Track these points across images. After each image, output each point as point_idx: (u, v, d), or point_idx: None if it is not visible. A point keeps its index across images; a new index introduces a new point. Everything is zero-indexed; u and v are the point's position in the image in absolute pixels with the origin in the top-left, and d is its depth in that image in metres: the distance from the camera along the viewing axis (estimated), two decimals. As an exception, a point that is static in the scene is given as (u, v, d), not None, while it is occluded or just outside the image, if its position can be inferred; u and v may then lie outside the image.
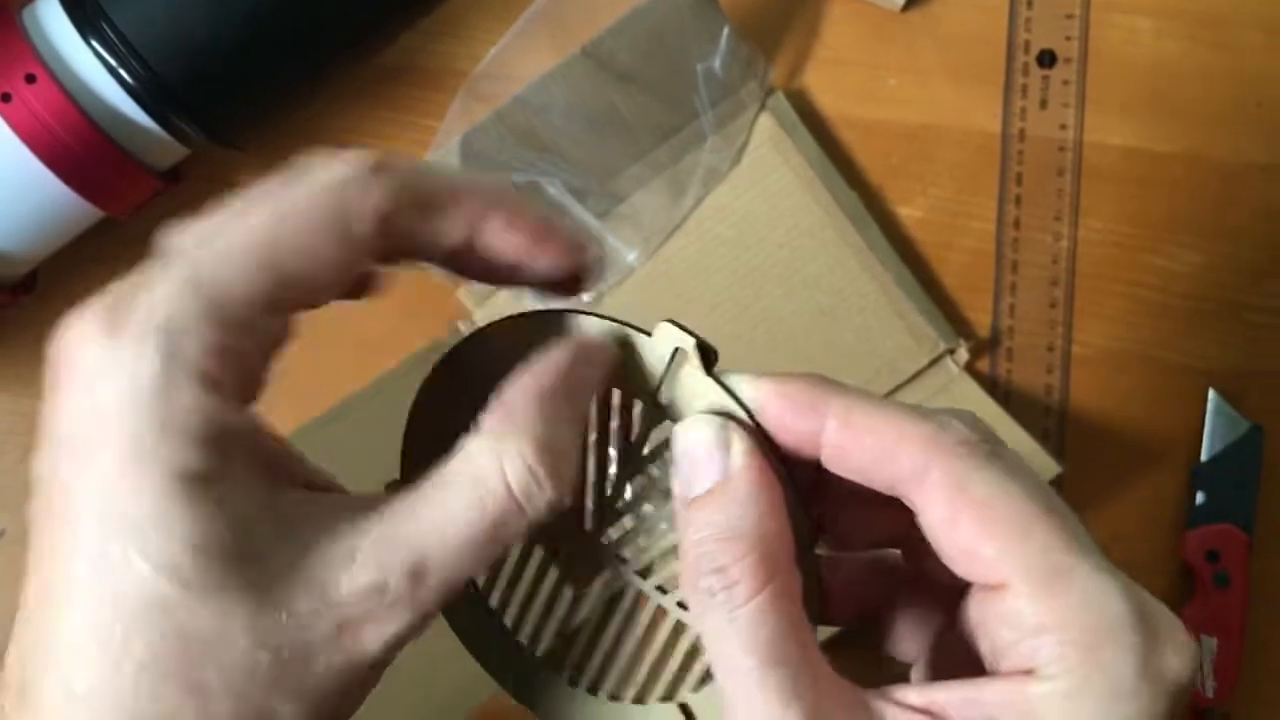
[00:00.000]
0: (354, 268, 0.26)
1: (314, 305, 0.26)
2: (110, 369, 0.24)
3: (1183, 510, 0.57)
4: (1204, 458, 0.57)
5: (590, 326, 0.29)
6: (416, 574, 0.25)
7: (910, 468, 0.26)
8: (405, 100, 0.59)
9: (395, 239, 0.26)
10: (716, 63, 0.57)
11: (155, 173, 0.53)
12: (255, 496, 0.25)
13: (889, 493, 0.27)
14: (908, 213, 0.59)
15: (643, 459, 0.31)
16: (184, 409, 0.24)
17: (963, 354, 0.57)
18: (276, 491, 0.25)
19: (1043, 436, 0.57)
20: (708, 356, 0.29)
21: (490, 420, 0.26)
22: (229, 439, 0.24)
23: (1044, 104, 0.59)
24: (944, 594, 0.30)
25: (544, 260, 0.28)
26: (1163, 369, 0.58)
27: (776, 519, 0.27)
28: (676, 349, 0.29)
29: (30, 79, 0.49)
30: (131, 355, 0.24)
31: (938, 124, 0.59)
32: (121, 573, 0.23)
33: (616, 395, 0.31)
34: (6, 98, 0.49)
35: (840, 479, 0.28)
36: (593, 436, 0.31)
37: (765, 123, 0.58)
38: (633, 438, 0.31)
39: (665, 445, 0.30)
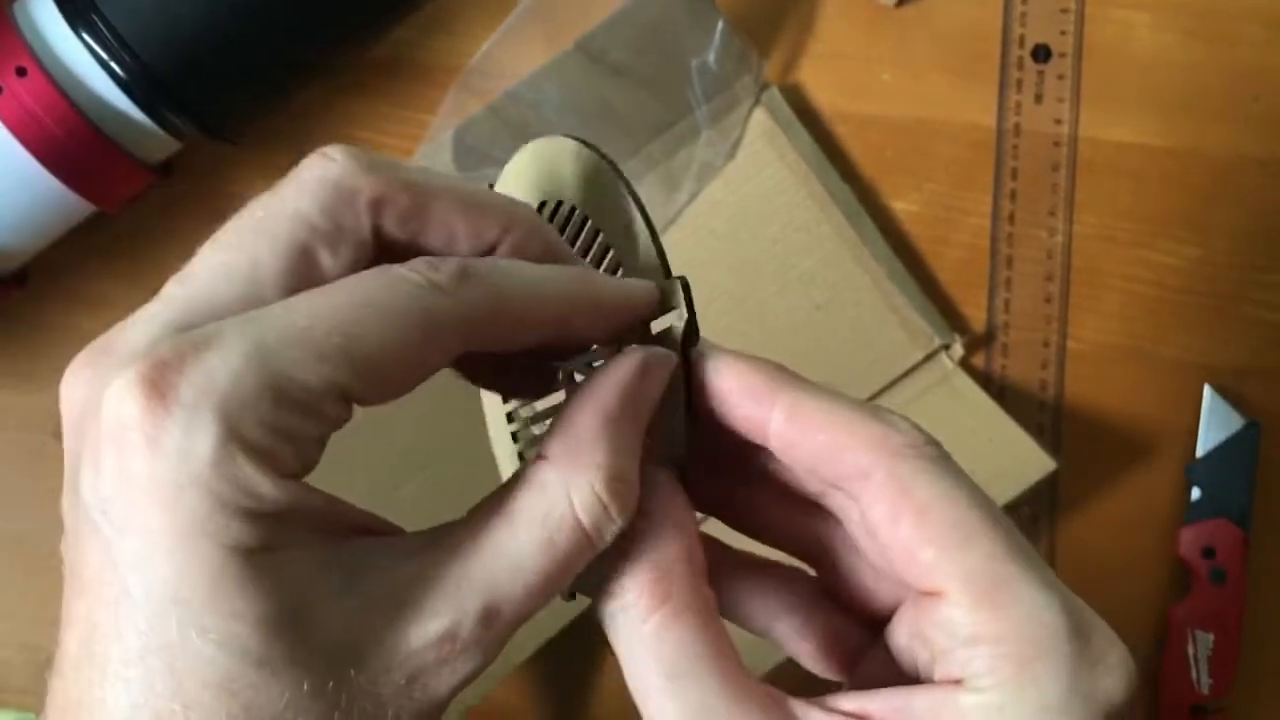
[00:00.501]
0: (430, 371, 0.25)
1: (377, 402, 0.24)
2: (158, 440, 0.22)
3: (1178, 506, 0.57)
4: (1200, 453, 0.57)
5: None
6: (488, 617, 0.24)
7: (855, 466, 0.26)
8: (398, 94, 0.59)
9: (477, 343, 0.25)
10: (711, 57, 0.56)
11: (147, 166, 0.53)
12: (316, 555, 0.24)
13: (834, 486, 0.28)
14: (902, 207, 0.59)
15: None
16: (239, 488, 0.22)
17: (958, 349, 0.57)
18: (337, 544, 0.24)
19: (1038, 432, 0.57)
20: (689, 338, 0.29)
21: (555, 447, 0.25)
22: (284, 513, 0.23)
23: (1039, 99, 0.59)
24: (860, 611, 0.30)
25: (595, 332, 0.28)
26: (1158, 364, 0.58)
27: (676, 540, 0.26)
28: (670, 325, 0.29)
29: (21, 72, 0.48)
30: (183, 429, 0.22)
31: (932, 119, 0.59)
32: (181, 652, 0.22)
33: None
34: (-3, 91, 0.49)
35: (774, 476, 0.29)
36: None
37: (760, 117, 0.57)
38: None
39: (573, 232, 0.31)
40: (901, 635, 0.28)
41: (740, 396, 0.28)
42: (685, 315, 0.28)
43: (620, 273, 0.30)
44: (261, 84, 0.53)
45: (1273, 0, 0.59)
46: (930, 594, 0.26)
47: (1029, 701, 0.25)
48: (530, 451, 0.32)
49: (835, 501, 0.29)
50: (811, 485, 0.29)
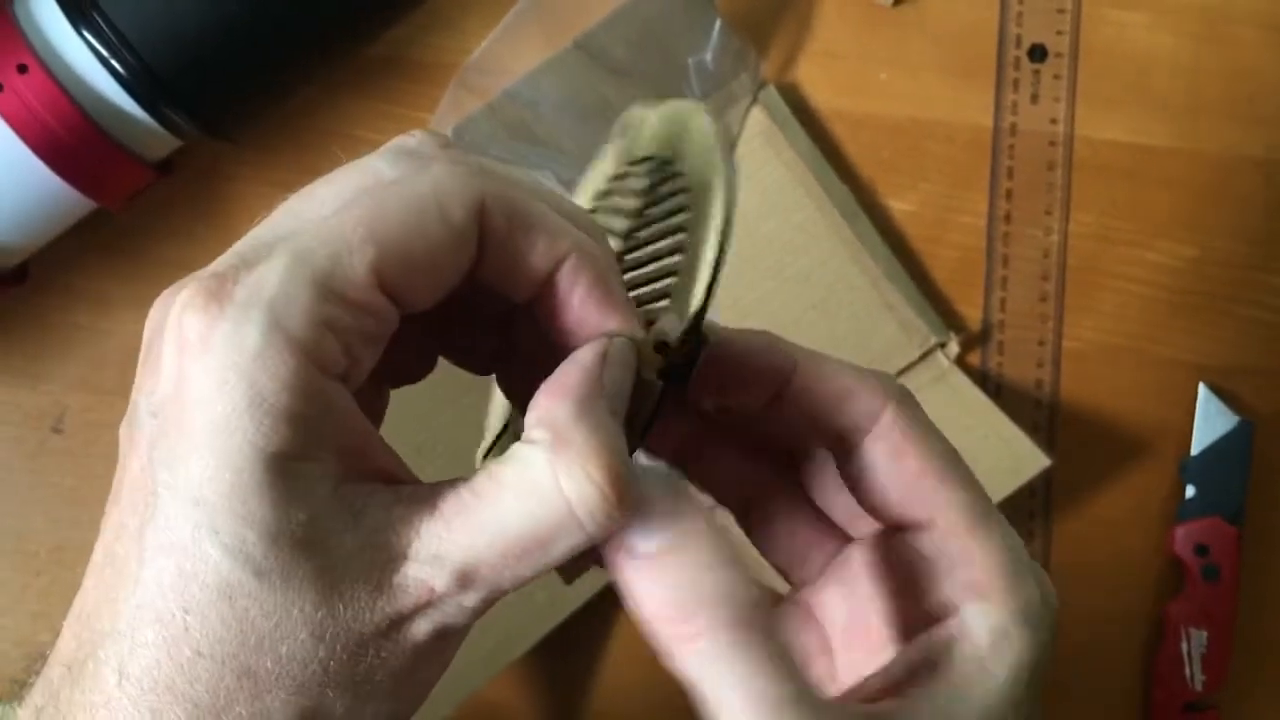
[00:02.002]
0: (456, 256, 0.26)
1: (416, 300, 0.25)
2: (210, 338, 0.23)
3: (1172, 504, 0.58)
4: (1194, 451, 0.57)
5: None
6: (464, 578, 0.25)
7: (865, 409, 0.29)
8: (397, 92, 0.59)
9: (488, 242, 0.26)
10: (708, 56, 0.57)
11: (147, 163, 0.53)
12: (334, 483, 0.24)
13: (834, 432, 0.30)
14: (899, 206, 0.59)
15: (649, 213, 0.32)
16: (281, 380, 0.23)
17: (953, 348, 0.57)
18: (354, 479, 0.25)
19: (1033, 430, 0.57)
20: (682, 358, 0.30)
21: (536, 432, 0.25)
22: (320, 418, 0.24)
23: (1035, 98, 0.59)
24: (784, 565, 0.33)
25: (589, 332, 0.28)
26: (1153, 363, 0.58)
27: (730, 571, 0.26)
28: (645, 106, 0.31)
29: (22, 69, 0.49)
30: (233, 324, 0.23)
31: (929, 118, 0.59)
32: (190, 554, 0.23)
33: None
34: (-2, 88, 0.49)
35: (745, 432, 0.30)
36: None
37: (757, 116, 0.58)
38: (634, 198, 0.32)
39: (665, 193, 0.31)
40: (831, 592, 0.31)
41: (766, 356, 0.30)
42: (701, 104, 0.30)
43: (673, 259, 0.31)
44: (261, 82, 0.53)
45: (1269, 1, 0.59)
46: (919, 525, 0.29)
47: (1018, 609, 0.28)
48: None
49: (808, 455, 0.32)
50: (796, 435, 0.31)
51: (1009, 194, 0.59)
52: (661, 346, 0.28)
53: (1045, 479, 0.56)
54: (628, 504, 0.25)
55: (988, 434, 0.56)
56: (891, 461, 0.29)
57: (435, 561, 0.25)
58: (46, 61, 0.49)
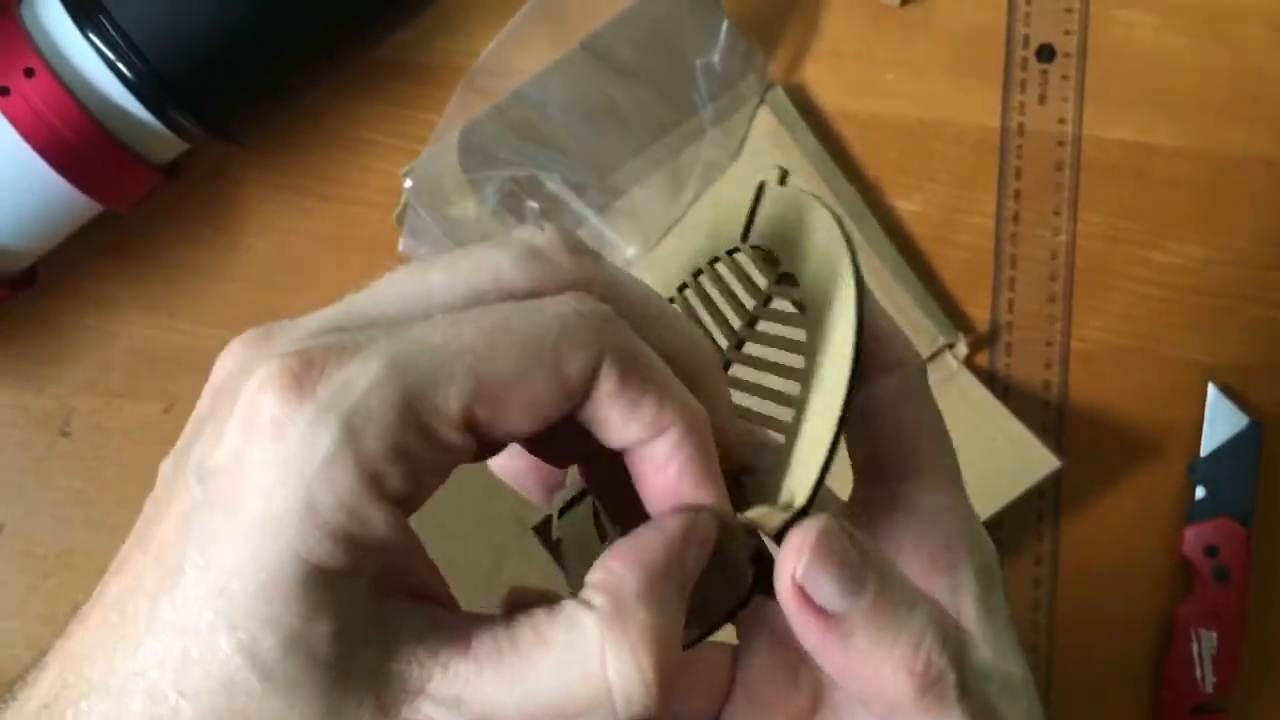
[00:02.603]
0: (556, 409, 0.24)
1: (499, 437, 0.24)
2: (283, 429, 0.22)
3: (1182, 505, 0.57)
4: (1203, 452, 0.57)
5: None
6: None
7: (890, 354, 0.30)
8: (404, 95, 0.59)
9: (594, 396, 0.24)
10: (715, 57, 0.57)
11: (154, 167, 0.53)
12: (371, 599, 0.23)
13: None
14: (906, 207, 0.59)
15: (749, 314, 0.31)
16: (339, 499, 0.22)
17: (961, 348, 0.57)
18: (390, 595, 0.24)
19: (1042, 431, 0.57)
20: (785, 179, 0.29)
21: (598, 597, 0.24)
22: (370, 540, 0.23)
23: (1043, 99, 0.59)
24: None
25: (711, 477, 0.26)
26: (1162, 364, 0.58)
27: None
28: (762, 182, 0.29)
29: (29, 73, 0.49)
30: (309, 423, 0.22)
31: (936, 119, 0.59)
32: (201, 641, 0.22)
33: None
34: (4, 91, 0.49)
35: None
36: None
37: (764, 117, 0.58)
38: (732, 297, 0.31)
39: (778, 293, 0.30)
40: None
41: None
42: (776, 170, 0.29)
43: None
44: (268, 85, 0.53)
45: (1275, 1, 0.59)
46: (893, 477, 0.30)
47: (982, 550, 0.30)
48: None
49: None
50: None
51: (1017, 194, 0.59)
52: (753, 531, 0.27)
53: (1054, 480, 0.56)
54: (665, 696, 0.24)
55: (996, 435, 0.56)
56: (891, 409, 0.30)
57: (454, 704, 0.23)
58: (53, 65, 0.49)
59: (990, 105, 0.59)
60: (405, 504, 0.23)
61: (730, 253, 0.31)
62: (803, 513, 0.26)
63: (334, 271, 0.58)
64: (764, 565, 0.26)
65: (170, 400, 0.58)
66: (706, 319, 0.32)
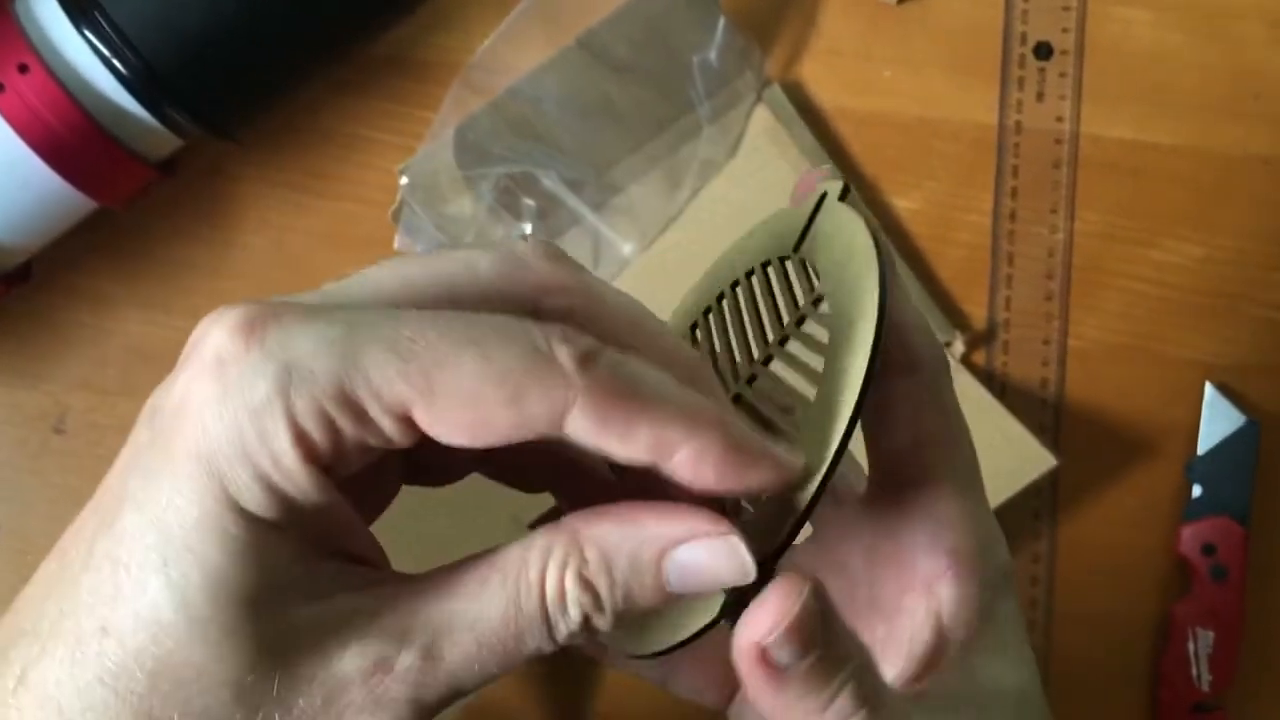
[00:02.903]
0: (507, 434, 0.23)
1: (448, 440, 0.23)
2: (226, 366, 0.22)
3: (1179, 503, 0.57)
4: (1201, 451, 0.57)
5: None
6: (429, 655, 0.23)
7: (912, 355, 0.30)
8: (399, 91, 0.59)
9: (565, 439, 0.23)
10: (712, 54, 0.56)
11: (150, 163, 0.53)
12: (300, 557, 0.23)
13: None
14: (903, 205, 0.59)
15: (786, 326, 0.30)
16: (268, 449, 0.22)
17: (959, 347, 0.57)
18: (318, 559, 0.24)
19: (1039, 429, 0.57)
20: (847, 193, 0.29)
21: (553, 526, 0.24)
22: (298, 497, 0.23)
23: (1040, 96, 0.59)
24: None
25: (732, 491, 0.25)
26: (1159, 362, 0.58)
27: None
28: (824, 194, 0.29)
29: (23, 69, 0.49)
30: (251, 366, 0.22)
31: (933, 116, 0.59)
32: (131, 577, 0.22)
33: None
34: (-1, 88, 0.49)
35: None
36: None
37: (761, 114, 0.58)
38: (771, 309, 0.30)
39: (806, 311, 0.29)
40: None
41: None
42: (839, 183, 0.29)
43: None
44: (263, 82, 0.53)
45: (1275, -2, 0.59)
46: (907, 482, 0.31)
47: (989, 562, 0.31)
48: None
49: None
50: None
51: (1014, 192, 0.59)
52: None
53: (1051, 478, 0.56)
54: (605, 619, 0.24)
55: (993, 434, 0.56)
56: (909, 413, 0.30)
57: (399, 637, 0.23)
58: (48, 61, 0.49)
59: (988, 103, 0.59)
60: (335, 473, 0.23)
61: (781, 260, 0.31)
62: (805, 515, 0.26)
63: (330, 268, 0.58)
64: (735, 596, 0.26)
65: (165, 398, 0.58)
66: (743, 325, 0.31)
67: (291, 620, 0.23)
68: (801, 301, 0.29)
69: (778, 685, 0.26)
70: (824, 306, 0.28)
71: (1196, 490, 0.57)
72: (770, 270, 0.31)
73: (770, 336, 0.30)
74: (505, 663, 0.24)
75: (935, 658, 0.29)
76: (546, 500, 0.31)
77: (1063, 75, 0.59)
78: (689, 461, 0.24)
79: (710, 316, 0.32)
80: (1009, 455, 0.55)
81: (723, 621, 0.26)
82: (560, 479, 0.29)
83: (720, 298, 0.32)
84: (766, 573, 0.25)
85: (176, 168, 0.56)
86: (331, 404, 0.22)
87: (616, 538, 0.24)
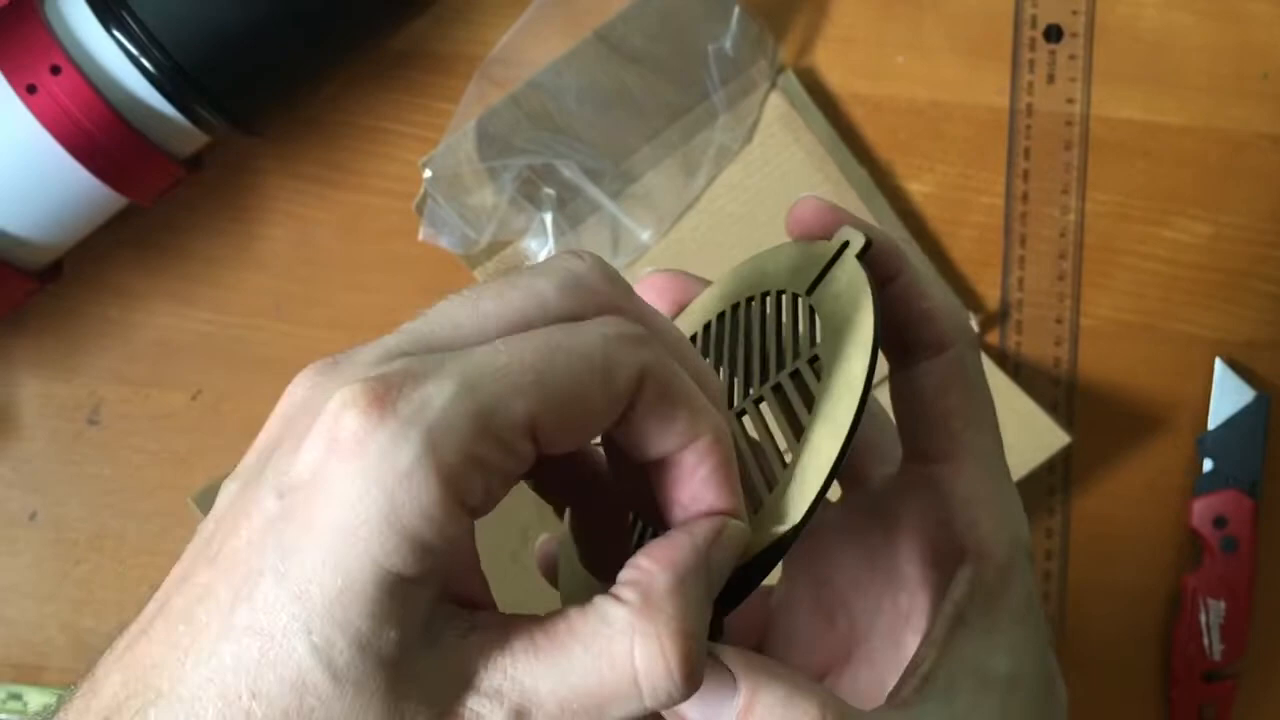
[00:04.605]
0: (605, 419, 0.26)
1: (556, 448, 0.25)
2: (366, 444, 0.23)
3: (1190, 477, 0.58)
4: (1211, 426, 0.58)
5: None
6: (519, 716, 0.25)
7: (937, 337, 0.31)
8: (419, 84, 0.59)
9: (634, 408, 0.26)
10: (727, 43, 0.57)
11: (177, 160, 0.54)
12: (434, 604, 0.25)
13: (905, 342, 0.32)
14: (917, 188, 0.59)
15: (783, 363, 0.31)
16: (420, 507, 0.23)
17: (972, 327, 0.58)
18: (444, 604, 0.25)
19: (1052, 407, 0.58)
20: (868, 252, 0.30)
21: (628, 592, 0.25)
22: (444, 549, 0.24)
23: (1051, 78, 0.59)
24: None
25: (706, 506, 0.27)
26: (1170, 339, 0.59)
27: None
28: (846, 241, 0.30)
29: (55, 70, 0.50)
30: (391, 437, 0.23)
31: (946, 100, 0.60)
32: (276, 644, 0.23)
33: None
34: (32, 89, 0.50)
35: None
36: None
37: (775, 101, 0.58)
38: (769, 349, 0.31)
39: (805, 360, 0.30)
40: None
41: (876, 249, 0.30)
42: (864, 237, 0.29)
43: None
44: (287, 78, 0.54)
45: (1282, -22, 0.60)
46: (933, 457, 0.31)
47: (1017, 544, 0.31)
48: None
49: None
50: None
51: (1026, 174, 0.59)
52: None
53: (1064, 455, 0.57)
54: (691, 686, 0.25)
55: (1007, 412, 0.56)
56: (936, 393, 0.31)
57: (495, 696, 0.24)
58: (78, 62, 0.50)
59: (999, 86, 0.60)
60: (476, 513, 0.24)
61: (794, 296, 0.31)
62: (797, 530, 0.27)
63: (352, 259, 0.59)
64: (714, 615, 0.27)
65: (195, 388, 0.59)
66: (745, 354, 0.32)
67: (415, 671, 0.24)
68: (801, 353, 0.30)
69: None
70: (818, 365, 0.29)
71: (1207, 464, 0.58)
72: (783, 303, 0.32)
73: (768, 374, 0.31)
74: None
75: (949, 643, 0.30)
76: (546, 511, 0.32)
77: (1073, 58, 0.60)
78: (706, 449, 0.26)
79: (723, 323, 0.33)
80: (1023, 433, 0.56)
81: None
82: (575, 492, 0.31)
83: (735, 308, 0.33)
84: (716, 630, 0.27)
85: (202, 164, 0.57)
86: (476, 446, 0.24)
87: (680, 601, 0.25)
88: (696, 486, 0.27)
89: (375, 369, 0.24)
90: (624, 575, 0.26)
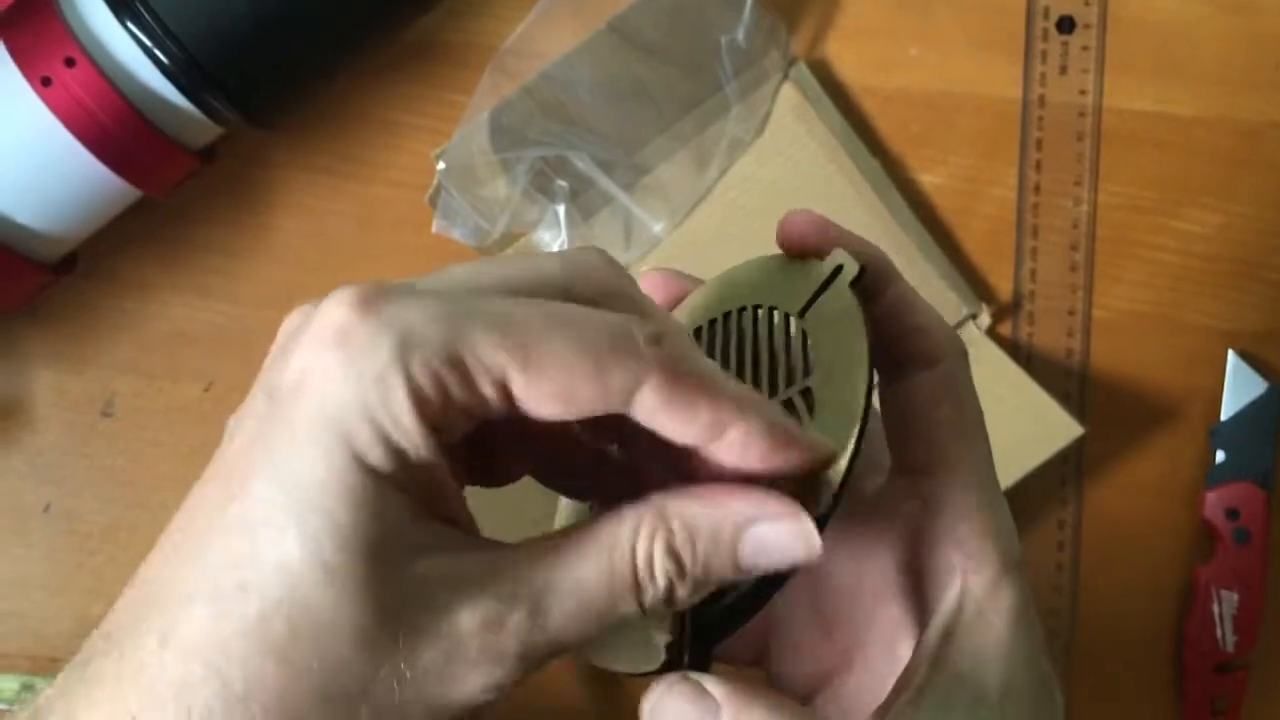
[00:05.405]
0: (588, 406, 0.25)
1: (535, 412, 0.25)
2: (349, 335, 0.24)
3: (1202, 469, 0.58)
4: (1223, 417, 0.58)
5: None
6: (536, 613, 0.25)
7: (928, 351, 0.32)
8: (432, 76, 0.60)
9: (631, 414, 0.26)
10: (740, 34, 0.57)
11: (191, 152, 0.54)
12: (414, 512, 0.25)
13: (895, 357, 0.32)
14: (929, 180, 0.59)
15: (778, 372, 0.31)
16: (389, 409, 0.24)
17: (985, 318, 0.58)
18: (428, 519, 0.25)
19: (1064, 398, 0.58)
20: (861, 280, 0.30)
21: (640, 503, 0.26)
22: (413, 454, 0.24)
23: (1064, 70, 0.59)
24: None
25: (770, 470, 0.27)
26: (1183, 330, 0.59)
27: None
28: (840, 265, 0.30)
29: (69, 62, 0.50)
30: (370, 333, 0.24)
31: (958, 91, 0.60)
32: (266, 536, 0.24)
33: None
34: (46, 81, 0.50)
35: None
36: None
37: (788, 93, 0.58)
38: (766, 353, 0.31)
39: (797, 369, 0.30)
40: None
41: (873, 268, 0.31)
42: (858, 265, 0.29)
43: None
44: (301, 69, 0.54)
45: (1295, -32, 0.60)
46: (923, 471, 0.32)
47: (1007, 561, 0.31)
48: None
49: None
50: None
51: (1038, 165, 0.59)
52: None
53: (1077, 446, 0.57)
54: (699, 578, 0.26)
55: (1020, 403, 0.57)
56: (927, 406, 0.32)
57: (510, 598, 0.25)
58: (92, 54, 0.50)
59: (1012, 77, 0.60)
60: (441, 438, 0.25)
61: (787, 317, 0.31)
62: (837, 498, 0.27)
63: (365, 250, 0.59)
64: (673, 651, 0.28)
65: (209, 380, 0.59)
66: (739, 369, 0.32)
67: (410, 575, 0.24)
68: (795, 381, 0.30)
69: None
70: (811, 399, 0.29)
71: (1220, 456, 0.58)
72: (774, 321, 0.31)
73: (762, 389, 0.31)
74: (600, 624, 0.26)
75: (940, 655, 0.30)
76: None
77: (1085, 49, 0.59)
78: (738, 441, 0.26)
79: (714, 330, 0.33)
80: (1035, 424, 0.56)
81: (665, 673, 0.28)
82: (595, 484, 0.31)
83: (727, 316, 0.33)
84: (704, 661, 0.28)
85: (216, 156, 0.57)
86: (443, 367, 0.24)
87: (699, 513, 0.26)
88: (733, 469, 0.27)
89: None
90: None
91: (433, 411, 0.24)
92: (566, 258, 0.28)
